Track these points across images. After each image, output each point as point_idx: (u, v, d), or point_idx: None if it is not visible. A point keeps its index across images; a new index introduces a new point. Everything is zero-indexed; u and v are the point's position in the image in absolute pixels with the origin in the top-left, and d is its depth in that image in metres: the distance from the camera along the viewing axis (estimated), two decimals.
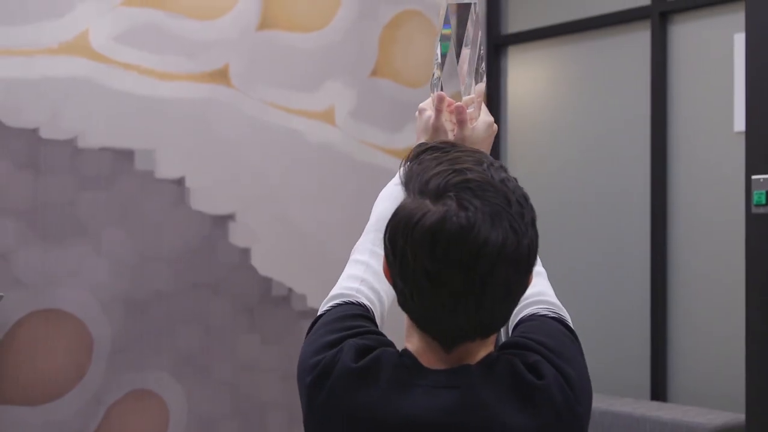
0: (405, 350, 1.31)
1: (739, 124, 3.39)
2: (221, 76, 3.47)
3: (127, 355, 3.24)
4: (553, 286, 1.53)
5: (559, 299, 1.47)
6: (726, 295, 3.42)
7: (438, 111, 1.70)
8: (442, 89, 1.78)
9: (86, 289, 3.16)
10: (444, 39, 1.82)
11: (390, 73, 3.93)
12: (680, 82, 3.61)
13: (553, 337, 1.32)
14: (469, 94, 1.80)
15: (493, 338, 1.31)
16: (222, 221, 3.45)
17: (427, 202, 1.21)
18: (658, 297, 3.59)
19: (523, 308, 1.38)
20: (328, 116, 3.74)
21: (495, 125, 1.74)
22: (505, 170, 1.27)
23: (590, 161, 3.88)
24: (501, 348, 1.31)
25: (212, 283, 3.42)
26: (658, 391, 3.57)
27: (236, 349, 3.48)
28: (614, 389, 3.73)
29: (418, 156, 1.30)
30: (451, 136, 1.71)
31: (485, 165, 1.25)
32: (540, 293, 1.41)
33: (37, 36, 3.09)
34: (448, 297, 1.22)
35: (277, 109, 3.61)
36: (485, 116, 1.72)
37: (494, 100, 4.22)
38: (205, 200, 3.41)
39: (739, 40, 3.40)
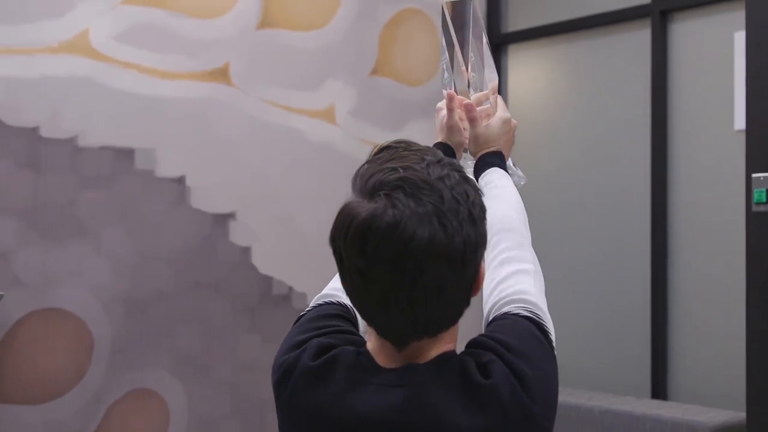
0: (364, 349, 1.32)
1: (740, 122, 3.39)
2: (221, 75, 3.47)
3: (127, 354, 3.24)
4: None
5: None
6: (726, 294, 3.42)
7: (449, 110, 1.77)
8: (454, 89, 1.80)
9: (86, 289, 3.16)
10: (446, 38, 1.84)
11: (390, 72, 3.93)
12: (680, 81, 3.61)
13: (516, 336, 1.30)
14: (477, 91, 1.81)
15: (449, 337, 1.30)
16: (222, 220, 3.45)
17: (364, 201, 1.23)
18: (658, 296, 3.59)
19: (501, 306, 1.37)
20: (328, 115, 3.74)
21: (514, 121, 1.77)
22: (452, 167, 1.26)
23: (590, 160, 3.87)
24: (466, 346, 1.31)
25: (212, 282, 3.42)
26: (659, 389, 3.57)
27: (237, 349, 3.48)
28: (615, 388, 3.73)
29: (374, 155, 1.31)
30: (467, 134, 1.75)
31: (425, 163, 1.25)
32: (520, 291, 1.38)
33: (38, 35, 3.09)
34: (380, 294, 1.23)
35: (278, 108, 3.61)
36: (501, 112, 1.75)
37: None
38: (205, 199, 3.41)
39: (740, 39, 3.39)
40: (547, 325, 1.35)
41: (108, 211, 3.21)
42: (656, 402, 3.41)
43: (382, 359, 1.30)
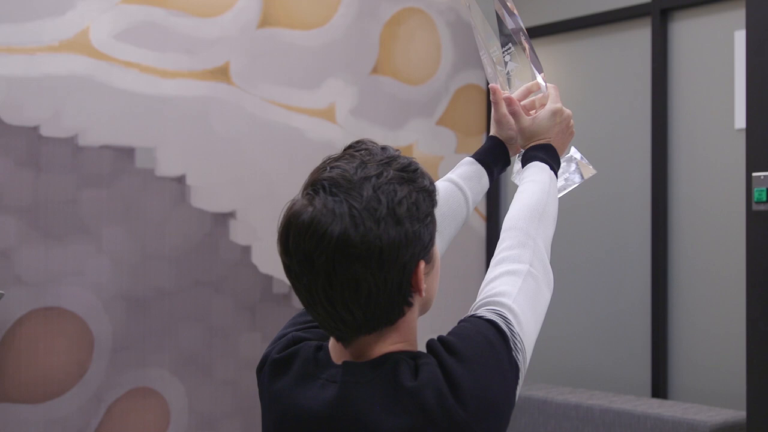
0: (325, 344, 1.36)
1: (740, 121, 3.39)
2: (222, 73, 3.47)
3: (128, 353, 3.24)
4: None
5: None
6: (727, 293, 3.42)
7: (494, 103, 1.74)
8: (505, 82, 1.77)
9: (87, 287, 3.16)
10: (485, 31, 1.79)
11: (391, 71, 3.93)
12: (681, 80, 3.61)
13: (466, 339, 1.29)
14: (509, 85, 1.77)
15: (398, 336, 1.31)
16: (223, 219, 3.45)
17: (296, 199, 1.28)
18: (659, 294, 3.59)
19: (479, 308, 1.36)
20: (329, 114, 3.74)
21: (566, 111, 1.70)
22: (395, 168, 1.27)
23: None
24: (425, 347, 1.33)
25: (213, 280, 3.42)
26: (659, 388, 3.57)
27: (237, 347, 3.48)
28: (615, 387, 3.73)
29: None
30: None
31: (358, 162, 1.27)
32: (499, 294, 1.37)
33: (38, 34, 3.09)
34: (306, 292, 1.27)
35: (278, 106, 3.61)
36: (551, 103, 1.70)
37: None
38: (205, 198, 3.41)
39: (740, 38, 3.39)
40: (513, 329, 1.32)
41: (108, 210, 3.21)
42: (657, 401, 3.41)
43: (335, 355, 1.33)
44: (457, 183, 1.70)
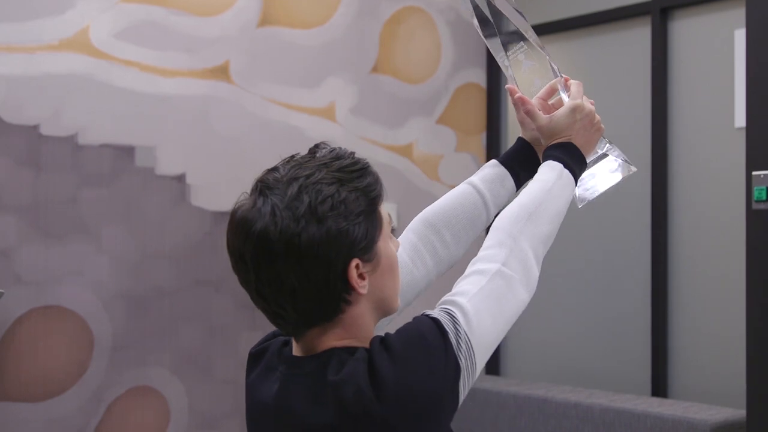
0: (291, 339, 1.41)
1: (740, 120, 3.39)
2: (222, 72, 3.47)
3: (128, 352, 3.24)
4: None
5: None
6: (727, 291, 3.42)
7: (513, 105, 1.71)
8: (516, 83, 1.74)
9: (87, 286, 3.16)
10: (494, 31, 1.76)
11: (391, 70, 3.93)
12: (681, 78, 3.61)
13: (403, 336, 1.31)
14: (530, 84, 1.73)
15: (344, 332, 1.33)
16: (223, 218, 3.45)
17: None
18: (658, 293, 3.59)
19: (438, 305, 1.38)
20: (329, 113, 3.75)
21: (585, 107, 1.65)
22: (329, 169, 1.31)
23: None
24: None
25: (213, 279, 3.42)
26: (659, 387, 3.57)
27: (237, 346, 3.48)
28: (615, 385, 3.73)
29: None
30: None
31: (294, 164, 1.33)
32: (458, 293, 1.38)
33: (38, 33, 3.09)
34: (245, 287, 1.34)
35: (278, 105, 3.61)
36: (571, 100, 1.66)
37: (495, 97, 4.22)
38: (205, 197, 3.41)
39: (740, 36, 3.39)
40: (459, 328, 1.32)
41: (108, 208, 3.21)
42: (656, 400, 3.41)
43: (295, 349, 1.38)
44: (476, 186, 1.69)
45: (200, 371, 3.39)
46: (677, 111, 3.62)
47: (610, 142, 1.77)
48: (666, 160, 3.62)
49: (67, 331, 3.13)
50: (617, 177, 1.75)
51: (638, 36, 3.73)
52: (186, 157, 3.38)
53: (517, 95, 1.69)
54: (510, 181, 1.71)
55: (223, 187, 3.45)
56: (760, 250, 2.62)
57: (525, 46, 1.72)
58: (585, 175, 1.74)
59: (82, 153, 3.17)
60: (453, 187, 4.09)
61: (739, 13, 3.39)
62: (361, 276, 1.31)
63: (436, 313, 1.34)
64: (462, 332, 1.31)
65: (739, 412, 3.16)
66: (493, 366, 4.15)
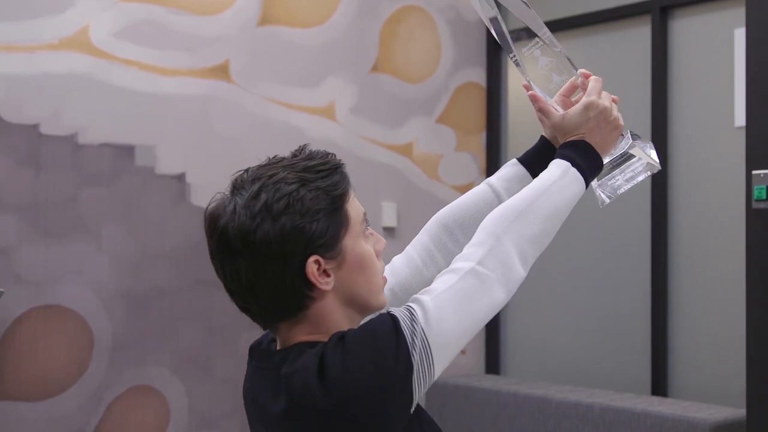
0: None
1: (740, 119, 3.39)
2: (222, 71, 3.47)
3: (128, 351, 3.24)
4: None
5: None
6: (726, 291, 3.42)
7: (531, 102, 1.67)
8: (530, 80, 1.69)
9: (87, 286, 3.16)
10: (505, 32, 1.71)
11: (391, 69, 3.93)
12: (681, 78, 3.61)
13: (359, 332, 1.33)
14: (548, 81, 1.66)
15: (311, 327, 1.37)
16: None
17: None
18: (658, 293, 3.59)
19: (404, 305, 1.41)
20: (328, 112, 3.74)
21: (600, 104, 1.59)
22: (291, 169, 1.36)
23: None
24: None
25: (213, 279, 3.40)
26: (659, 386, 3.57)
27: (237, 346, 3.48)
28: (615, 385, 3.73)
29: None
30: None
31: (266, 164, 1.42)
32: (425, 291, 1.39)
33: (38, 32, 3.09)
34: (221, 280, 1.43)
35: (278, 104, 3.61)
36: (585, 97, 1.61)
37: (495, 96, 4.22)
38: (205, 196, 3.41)
39: (740, 35, 3.39)
40: (416, 326, 1.33)
41: (108, 208, 3.21)
42: (656, 399, 3.41)
43: (278, 342, 1.43)
44: (492, 185, 1.67)
45: (200, 371, 3.39)
46: (677, 110, 3.62)
47: (639, 138, 1.70)
48: (666, 158, 3.62)
49: (67, 331, 3.13)
50: (640, 177, 1.70)
51: (638, 35, 3.73)
52: (186, 156, 3.38)
53: (529, 92, 1.66)
54: (529, 180, 1.68)
55: (223, 186, 3.43)
56: (760, 248, 2.62)
57: (540, 42, 1.67)
58: (606, 174, 1.69)
59: (82, 152, 3.17)
60: (453, 186, 4.10)
61: (739, 12, 3.39)
62: (326, 273, 1.34)
63: (398, 310, 1.35)
64: (419, 330, 1.32)
65: (738, 412, 3.16)
66: (493, 365, 4.15)
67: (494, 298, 1.39)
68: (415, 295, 1.38)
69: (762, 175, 2.61)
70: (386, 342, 1.30)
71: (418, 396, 1.32)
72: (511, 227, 1.44)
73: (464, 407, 3.76)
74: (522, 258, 1.43)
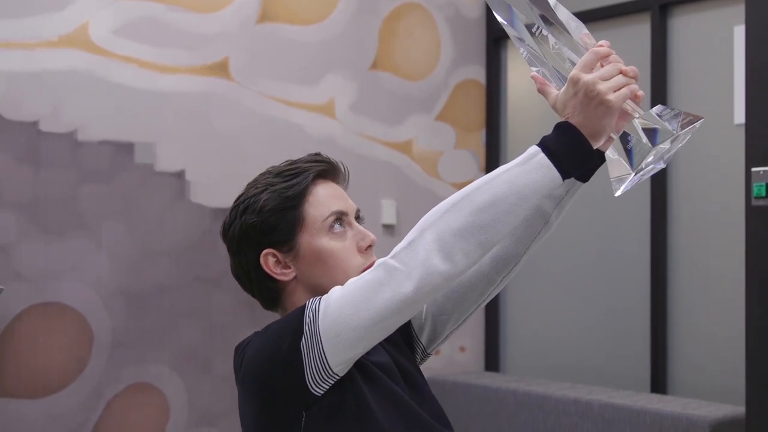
0: None
1: (739, 116, 3.39)
2: (221, 69, 3.47)
3: (127, 348, 3.24)
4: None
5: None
6: (726, 288, 3.42)
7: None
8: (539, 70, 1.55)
9: (87, 283, 3.16)
10: (512, 20, 1.58)
11: (390, 66, 3.93)
12: (680, 75, 3.61)
13: (280, 319, 1.50)
14: (565, 63, 1.48)
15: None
16: (222, 214, 3.44)
17: None
18: (658, 289, 3.60)
19: None
20: (328, 109, 3.74)
21: (583, 77, 1.38)
22: (269, 175, 1.60)
23: None
24: None
25: (213, 276, 3.42)
26: (658, 383, 3.58)
27: (237, 343, 3.48)
28: (614, 382, 3.73)
29: None
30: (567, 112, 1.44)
31: (264, 172, 1.63)
32: (347, 282, 1.47)
33: (37, 29, 3.09)
34: None
35: (277, 102, 3.61)
36: (571, 72, 1.43)
37: (494, 94, 4.21)
38: (205, 193, 3.41)
39: (739, 33, 3.39)
40: (313, 319, 1.43)
41: (108, 205, 3.21)
42: (656, 396, 3.42)
43: None
44: None
45: (200, 368, 3.39)
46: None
47: (657, 114, 1.47)
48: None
49: (66, 328, 3.13)
50: (652, 167, 1.50)
51: (637, 32, 3.73)
52: (185, 153, 3.38)
53: (532, 73, 1.54)
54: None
55: (223, 183, 3.45)
56: (759, 245, 2.62)
57: (548, 26, 1.48)
58: (612, 160, 1.49)
59: (81, 149, 3.16)
60: (452, 184, 4.10)
61: (739, 10, 3.39)
62: (285, 265, 1.56)
63: (315, 299, 1.46)
64: (313, 317, 1.43)
65: (738, 409, 3.17)
66: (493, 362, 4.16)
67: (400, 292, 1.37)
68: (335, 286, 1.48)
69: (761, 173, 2.61)
70: (286, 331, 1.45)
71: (315, 379, 1.42)
72: (439, 220, 1.38)
73: (464, 404, 3.77)
74: (444, 252, 1.36)
